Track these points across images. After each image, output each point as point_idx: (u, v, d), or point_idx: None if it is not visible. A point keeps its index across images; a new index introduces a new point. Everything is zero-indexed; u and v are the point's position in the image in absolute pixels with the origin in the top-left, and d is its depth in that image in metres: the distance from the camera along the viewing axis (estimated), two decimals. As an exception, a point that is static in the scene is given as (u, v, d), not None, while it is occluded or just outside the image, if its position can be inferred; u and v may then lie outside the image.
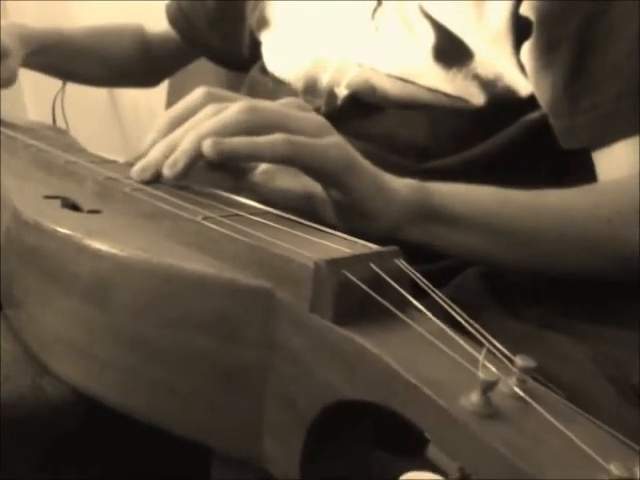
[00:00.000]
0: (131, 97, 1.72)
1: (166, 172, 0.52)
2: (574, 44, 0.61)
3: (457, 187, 0.56)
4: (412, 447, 0.33)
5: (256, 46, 0.86)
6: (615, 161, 0.62)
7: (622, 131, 0.61)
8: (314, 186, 0.52)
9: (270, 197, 0.55)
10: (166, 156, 0.52)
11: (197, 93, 0.54)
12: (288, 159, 0.49)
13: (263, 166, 0.55)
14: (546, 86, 0.64)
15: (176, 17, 1.00)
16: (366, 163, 0.52)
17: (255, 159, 0.50)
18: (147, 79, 1.11)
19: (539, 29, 0.63)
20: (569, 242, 0.58)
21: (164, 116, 0.54)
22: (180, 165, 0.51)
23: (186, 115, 0.53)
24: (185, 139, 0.51)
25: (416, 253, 0.52)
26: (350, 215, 0.52)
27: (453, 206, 0.54)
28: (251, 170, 0.56)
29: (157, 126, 0.54)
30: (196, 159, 0.51)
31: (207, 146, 0.48)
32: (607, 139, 0.62)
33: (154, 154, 0.53)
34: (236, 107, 0.50)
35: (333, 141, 0.49)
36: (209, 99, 0.53)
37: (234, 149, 0.48)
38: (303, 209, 0.54)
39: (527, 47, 0.64)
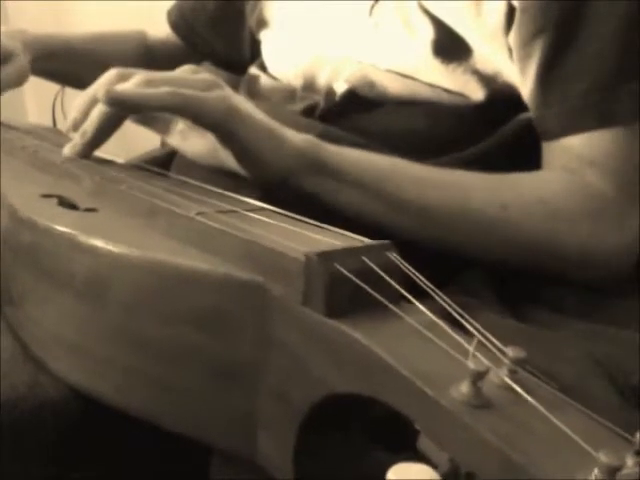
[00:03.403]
0: (131, 97, 1.71)
1: (78, 140, 0.61)
2: (552, 35, 0.62)
3: (352, 150, 0.60)
4: (410, 445, 0.33)
5: (257, 47, 0.86)
6: (557, 152, 0.63)
7: (585, 126, 0.61)
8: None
9: (188, 155, 0.63)
10: None
11: (109, 72, 0.60)
12: (173, 108, 0.55)
13: (179, 127, 0.62)
14: (526, 76, 0.64)
15: (178, 22, 1.00)
16: (256, 113, 0.57)
17: (144, 107, 0.56)
18: None
19: (521, 18, 0.63)
20: (459, 220, 0.60)
21: (81, 96, 0.62)
22: (89, 133, 0.60)
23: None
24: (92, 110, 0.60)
25: (416, 254, 0.52)
26: (244, 161, 0.57)
27: (342, 162, 0.59)
28: (171, 131, 0.63)
29: (76, 107, 0.62)
30: (102, 126, 0.60)
31: (101, 95, 0.55)
32: (571, 132, 0.62)
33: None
34: (134, 78, 0.56)
35: (216, 93, 0.55)
36: (120, 77, 0.58)
37: (125, 96, 0.55)
38: (213, 164, 0.61)
39: (511, 37, 0.64)
